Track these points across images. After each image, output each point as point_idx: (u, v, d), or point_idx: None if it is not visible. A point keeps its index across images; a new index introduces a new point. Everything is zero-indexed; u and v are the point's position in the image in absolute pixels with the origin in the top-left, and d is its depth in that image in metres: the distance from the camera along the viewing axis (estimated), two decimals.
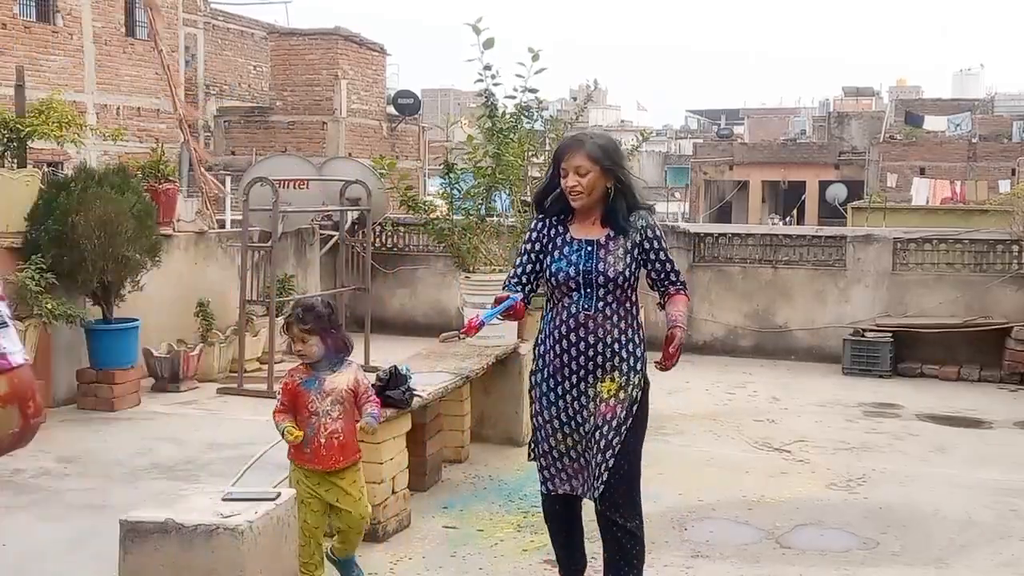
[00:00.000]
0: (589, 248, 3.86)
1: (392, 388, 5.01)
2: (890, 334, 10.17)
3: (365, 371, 4.61)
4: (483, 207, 7.97)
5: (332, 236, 11.20)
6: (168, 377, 8.74)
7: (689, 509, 5.72)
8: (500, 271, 7.20)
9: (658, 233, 3.93)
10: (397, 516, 5.21)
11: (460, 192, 8.02)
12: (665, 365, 3.79)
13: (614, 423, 3.81)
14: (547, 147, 8.71)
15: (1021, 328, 9.82)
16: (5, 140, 7.95)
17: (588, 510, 4.07)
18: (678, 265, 4.01)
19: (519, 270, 3.97)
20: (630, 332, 3.88)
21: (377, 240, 11.92)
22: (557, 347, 3.87)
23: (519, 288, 3.92)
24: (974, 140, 37.35)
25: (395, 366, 5.21)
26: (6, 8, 17.47)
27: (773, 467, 6.70)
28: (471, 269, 7.36)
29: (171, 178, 9.48)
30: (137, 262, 8.17)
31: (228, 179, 15.83)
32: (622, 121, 60.95)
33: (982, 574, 4.90)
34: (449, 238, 7.77)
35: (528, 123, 8.06)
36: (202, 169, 14.92)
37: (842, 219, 30.30)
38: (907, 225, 18.88)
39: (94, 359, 8.07)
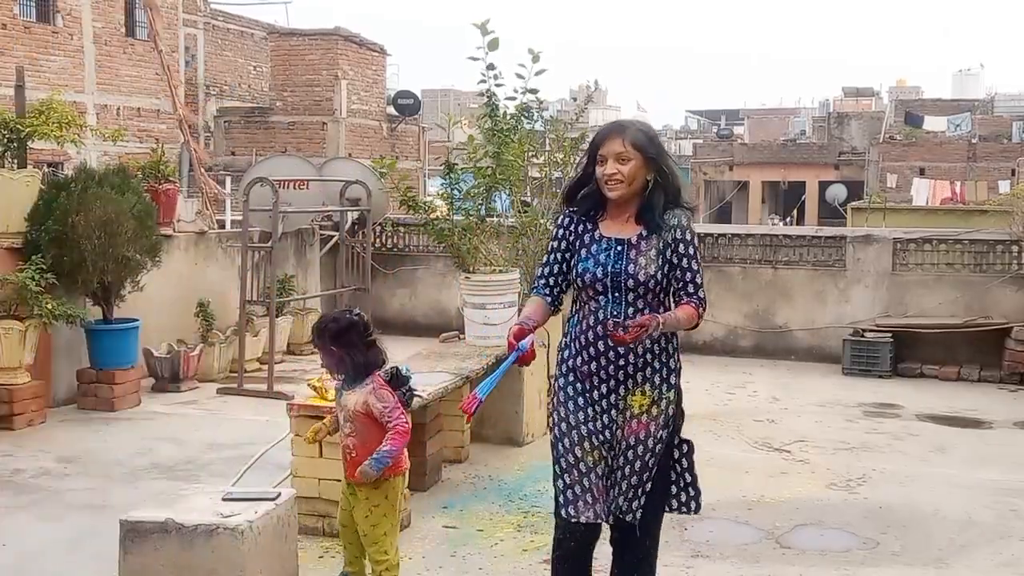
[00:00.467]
0: (619, 248, 3.54)
1: (393, 389, 5.01)
2: (890, 334, 10.17)
3: None
4: (483, 207, 7.96)
5: (332, 236, 11.21)
6: (168, 377, 8.75)
7: None
8: (500, 271, 7.19)
9: (690, 237, 3.56)
10: None
11: (460, 192, 8.02)
12: (616, 334, 3.35)
13: (649, 442, 3.54)
14: (547, 147, 8.71)
15: (1021, 328, 9.83)
16: (5, 140, 7.95)
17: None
18: (703, 278, 3.61)
19: (546, 271, 3.67)
20: (663, 341, 3.57)
21: (377, 240, 11.94)
22: (584, 353, 3.56)
23: (547, 290, 3.65)
24: (974, 140, 37.33)
25: (397, 367, 5.20)
26: (6, 8, 17.46)
27: (773, 467, 6.70)
28: (471, 269, 7.35)
29: (171, 178, 9.50)
30: (137, 262, 8.18)
31: (228, 179, 15.84)
32: None
33: (982, 574, 4.90)
34: (449, 238, 7.76)
35: (528, 124, 8.05)
36: (201, 170, 14.93)
37: (842, 219, 30.27)
38: (907, 225, 18.87)
39: (94, 359, 8.08)
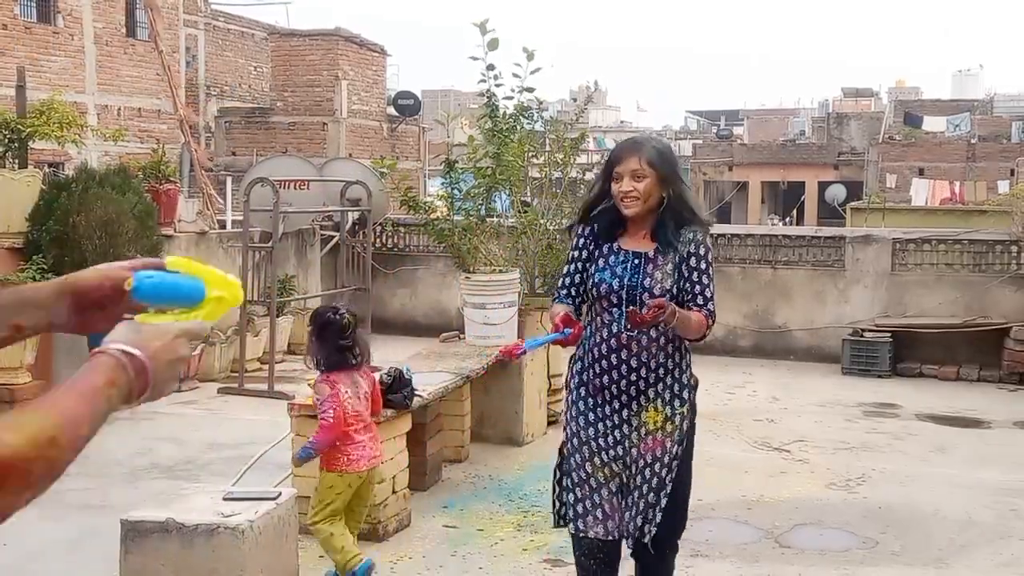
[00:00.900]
0: (636, 261, 3.52)
1: (395, 391, 5.05)
2: (889, 334, 10.18)
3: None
4: (483, 207, 7.98)
5: (333, 237, 11.22)
6: None
7: (689, 508, 5.72)
8: (500, 271, 7.21)
9: (703, 252, 3.52)
10: (397, 516, 5.22)
11: (460, 192, 8.03)
12: (635, 315, 3.31)
13: (665, 459, 3.51)
14: (547, 148, 8.72)
15: (1020, 328, 9.83)
16: (6, 141, 7.96)
17: None
18: (714, 294, 3.55)
19: (567, 280, 3.64)
20: (677, 356, 3.56)
21: (377, 240, 11.94)
22: (596, 366, 3.54)
23: (569, 299, 3.62)
24: (973, 141, 37.31)
25: (399, 369, 5.22)
26: (7, 9, 17.47)
27: (773, 467, 6.71)
28: (471, 269, 7.37)
29: (172, 179, 9.51)
30: None
31: (229, 180, 15.83)
32: (621, 122, 60.90)
33: (982, 574, 4.91)
34: (449, 238, 7.78)
35: (528, 124, 8.07)
36: (201, 171, 14.92)
37: (841, 220, 30.25)
38: (906, 226, 18.85)
39: None
